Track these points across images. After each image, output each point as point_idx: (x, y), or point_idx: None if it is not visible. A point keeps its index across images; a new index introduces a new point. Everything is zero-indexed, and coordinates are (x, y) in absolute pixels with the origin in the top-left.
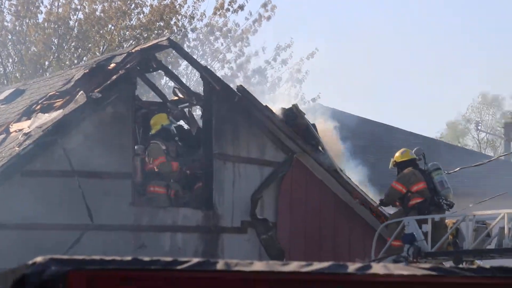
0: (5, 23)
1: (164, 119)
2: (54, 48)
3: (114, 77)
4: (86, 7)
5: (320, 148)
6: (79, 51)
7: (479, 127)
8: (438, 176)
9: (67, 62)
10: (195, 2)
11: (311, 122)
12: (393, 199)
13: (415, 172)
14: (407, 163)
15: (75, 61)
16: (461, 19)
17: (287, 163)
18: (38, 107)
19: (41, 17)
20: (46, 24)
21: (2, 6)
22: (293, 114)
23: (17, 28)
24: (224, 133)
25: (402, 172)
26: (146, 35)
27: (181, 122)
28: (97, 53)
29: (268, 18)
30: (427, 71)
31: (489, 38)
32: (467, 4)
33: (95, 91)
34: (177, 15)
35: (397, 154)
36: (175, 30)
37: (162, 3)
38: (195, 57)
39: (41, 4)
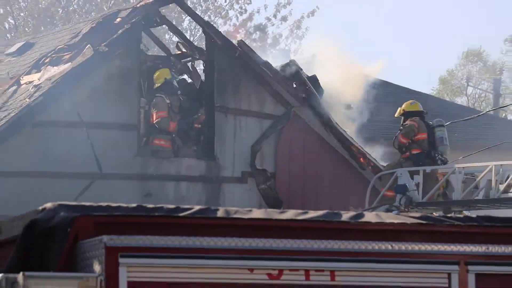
0: None
1: (167, 73)
2: (63, 2)
3: (120, 31)
4: None
5: (317, 101)
6: (87, 6)
7: (469, 83)
8: (439, 132)
9: (76, 16)
10: None
11: (312, 74)
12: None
13: (420, 123)
14: (415, 113)
15: (83, 16)
16: None
17: (285, 116)
18: (48, 60)
19: None
20: None
21: None
22: (292, 69)
23: None
24: (225, 86)
25: (408, 123)
26: None
27: (184, 76)
28: (104, 8)
29: None
30: (422, 28)
31: None
32: None
33: (102, 45)
34: None
35: (405, 104)
36: None
37: None
38: (198, 12)
39: None
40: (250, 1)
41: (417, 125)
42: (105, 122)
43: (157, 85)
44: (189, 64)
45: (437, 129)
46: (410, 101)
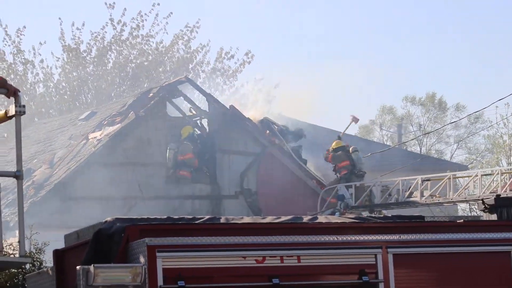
0: (88, 70)
1: (190, 129)
2: (116, 85)
3: (152, 102)
4: (138, 60)
5: (284, 144)
6: (134, 86)
7: (382, 128)
8: (355, 155)
9: (124, 94)
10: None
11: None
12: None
13: (342, 154)
14: (339, 149)
15: (129, 92)
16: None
17: (262, 154)
18: (105, 122)
19: (109, 66)
20: (112, 70)
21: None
22: (265, 123)
23: (93, 73)
24: (222, 135)
25: (336, 154)
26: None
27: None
28: (145, 84)
29: (249, 63)
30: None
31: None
32: None
33: (141, 111)
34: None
35: (333, 144)
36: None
37: (184, 56)
38: (204, 87)
39: (110, 57)
40: (237, 79)
41: (342, 155)
42: (143, 162)
43: (183, 136)
44: (198, 121)
45: (354, 154)
46: (336, 141)
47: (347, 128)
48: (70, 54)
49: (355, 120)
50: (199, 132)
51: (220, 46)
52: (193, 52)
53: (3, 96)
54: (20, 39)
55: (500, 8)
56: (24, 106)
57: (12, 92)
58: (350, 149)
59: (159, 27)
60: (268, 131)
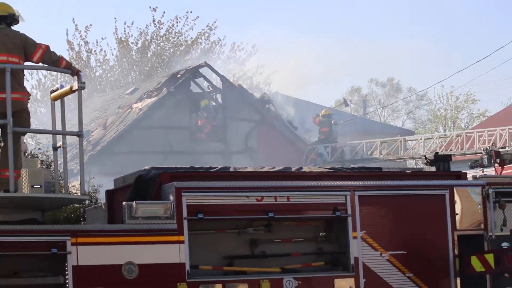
0: (134, 57)
1: (207, 101)
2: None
3: (180, 81)
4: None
5: (279, 114)
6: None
7: (351, 103)
8: (334, 127)
9: (159, 75)
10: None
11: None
12: None
13: (325, 121)
14: (325, 116)
15: (163, 72)
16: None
17: (261, 120)
18: (145, 95)
19: (149, 54)
20: (151, 57)
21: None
22: (264, 95)
23: (138, 59)
24: (231, 106)
25: (322, 120)
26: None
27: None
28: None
29: (254, 53)
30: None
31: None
32: None
33: (171, 88)
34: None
35: (322, 111)
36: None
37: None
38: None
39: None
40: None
41: (325, 122)
42: (172, 125)
43: (202, 106)
44: (213, 96)
45: (334, 125)
46: (325, 110)
47: (336, 106)
48: (121, 45)
49: (345, 103)
50: (214, 104)
51: (233, 41)
52: (212, 44)
53: (69, 76)
54: (86, 33)
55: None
56: (84, 83)
57: (75, 72)
58: (332, 121)
59: (188, 26)
60: (267, 105)
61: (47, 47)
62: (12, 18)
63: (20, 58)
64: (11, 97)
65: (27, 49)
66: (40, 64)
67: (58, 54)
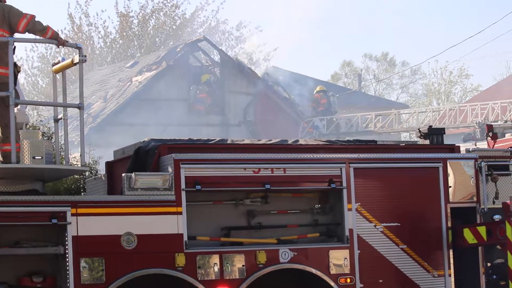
0: (134, 31)
1: (208, 76)
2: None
3: (179, 54)
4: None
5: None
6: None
7: (347, 76)
8: (332, 99)
9: (159, 48)
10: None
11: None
12: None
13: (323, 95)
14: (322, 91)
15: (162, 46)
16: None
17: (259, 93)
18: (145, 69)
19: (149, 28)
20: (151, 31)
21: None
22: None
23: (138, 33)
24: (230, 79)
25: (321, 93)
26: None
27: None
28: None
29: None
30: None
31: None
32: None
33: (171, 61)
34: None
35: (317, 88)
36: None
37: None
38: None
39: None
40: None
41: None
42: (171, 98)
43: (203, 81)
44: (211, 69)
45: (331, 97)
46: (320, 86)
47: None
48: (122, 19)
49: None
50: (213, 78)
51: (239, 19)
52: (219, 23)
53: (72, 49)
54: (87, 7)
55: None
56: (85, 56)
57: (61, 43)
58: (330, 93)
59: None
60: (270, 83)
61: (32, 16)
62: None
63: (3, 31)
64: None
65: (12, 19)
66: (26, 34)
67: (44, 24)
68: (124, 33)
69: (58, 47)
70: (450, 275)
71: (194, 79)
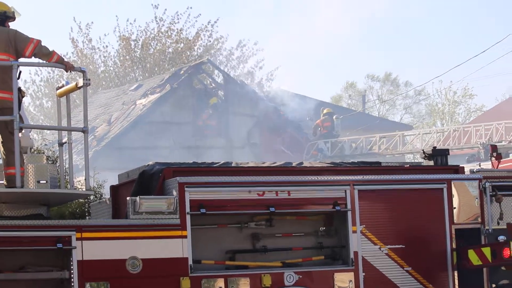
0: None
1: (215, 99)
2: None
3: (183, 77)
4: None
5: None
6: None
7: (351, 98)
8: (336, 121)
9: (162, 71)
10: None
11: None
12: None
13: (328, 118)
14: (327, 114)
15: (166, 68)
16: None
17: (263, 115)
18: (149, 92)
19: (152, 50)
20: (154, 54)
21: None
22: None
23: (140, 56)
24: (233, 101)
25: (325, 117)
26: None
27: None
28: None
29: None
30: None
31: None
32: None
33: (174, 84)
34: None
35: (325, 110)
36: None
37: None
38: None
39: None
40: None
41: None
42: (176, 121)
43: (211, 104)
44: (215, 92)
45: (336, 120)
46: (327, 108)
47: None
48: (124, 42)
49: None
50: (220, 101)
51: (239, 38)
52: (215, 41)
53: (75, 73)
54: (89, 31)
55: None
56: (89, 79)
57: (68, 67)
58: (334, 116)
59: (190, 23)
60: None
61: (39, 41)
62: (4, 16)
63: (8, 55)
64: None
65: (18, 44)
66: (32, 58)
67: (50, 49)
68: (128, 56)
69: (67, 72)
70: None
71: (202, 103)
